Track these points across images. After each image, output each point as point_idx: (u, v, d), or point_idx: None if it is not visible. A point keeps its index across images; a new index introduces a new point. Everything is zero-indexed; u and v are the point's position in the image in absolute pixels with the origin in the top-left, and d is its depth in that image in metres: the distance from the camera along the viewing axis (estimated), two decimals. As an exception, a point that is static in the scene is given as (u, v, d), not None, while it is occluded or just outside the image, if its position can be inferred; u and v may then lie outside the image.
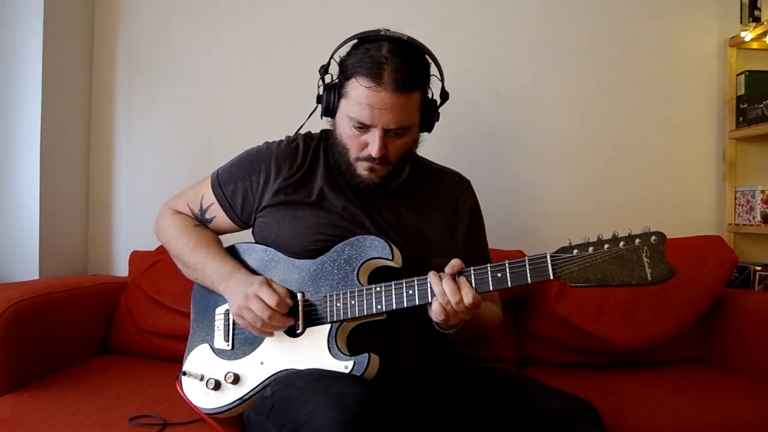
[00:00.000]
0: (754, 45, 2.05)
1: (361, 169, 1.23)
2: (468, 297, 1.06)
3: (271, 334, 1.21)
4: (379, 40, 1.17)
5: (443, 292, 1.07)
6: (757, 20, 1.99)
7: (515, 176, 2.08)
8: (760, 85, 1.99)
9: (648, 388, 1.49)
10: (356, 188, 1.27)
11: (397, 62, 1.14)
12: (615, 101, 2.09)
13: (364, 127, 1.18)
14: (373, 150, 1.17)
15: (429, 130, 1.29)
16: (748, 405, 1.36)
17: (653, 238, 0.98)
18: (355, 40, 1.22)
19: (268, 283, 1.19)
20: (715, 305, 1.72)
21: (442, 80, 1.28)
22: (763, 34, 1.99)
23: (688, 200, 2.10)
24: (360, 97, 1.15)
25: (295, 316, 1.20)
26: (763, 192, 1.96)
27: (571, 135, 2.08)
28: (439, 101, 1.29)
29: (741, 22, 2.01)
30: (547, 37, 2.08)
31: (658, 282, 0.97)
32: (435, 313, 1.09)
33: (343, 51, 1.24)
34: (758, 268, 1.89)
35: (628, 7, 2.09)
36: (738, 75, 2.05)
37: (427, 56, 1.22)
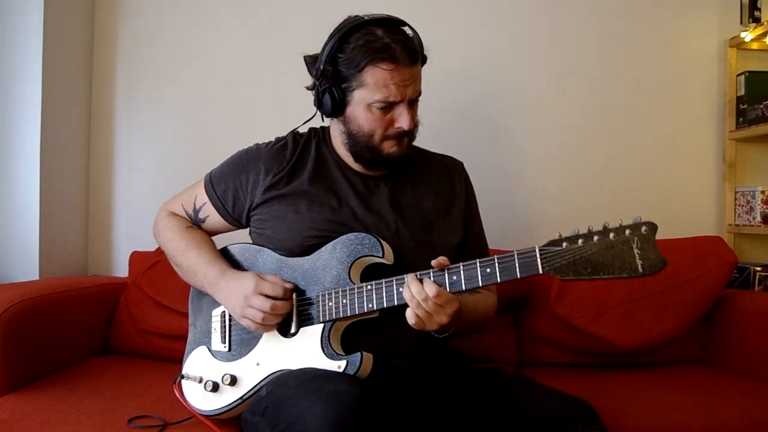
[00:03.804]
0: (754, 45, 2.05)
1: (389, 147, 1.25)
2: (431, 290, 1.06)
3: (272, 328, 1.21)
4: (367, 25, 1.20)
5: (411, 296, 1.07)
6: (757, 20, 1.99)
7: (514, 176, 2.08)
8: (760, 85, 1.99)
9: (648, 388, 1.49)
10: (384, 167, 1.29)
11: (398, 39, 1.19)
12: (615, 101, 2.09)
13: (388, 107, 1.21)
14: (405, 123, 1.22)
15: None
16: (748, 405, 1.36)
17: (644, 228, 0.97)
18: (340, 35, 1.21)
19: (262, 277, 1.21)
20: (715, 305, 1.72)
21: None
22: (763, 35, 1.98)
23: (688, 201, 2.10)
24: (384, 79, 1.19)
25: (288, 316, 1.21)
26: (763, 192, 1.96)
27: (571, 135, 2.08)
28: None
29: (741, 23, 2.01)
30: (547, 37, 2.08)
31: (650, 273, 0.96)
32: (409, 320, 1.09)
33: (332, 49, 1.24)
34: (758, 268, 1.89)
35: (628, 7, 2.09)
36: (738, 75, 2.04)
37: (407, 27, 1.25)
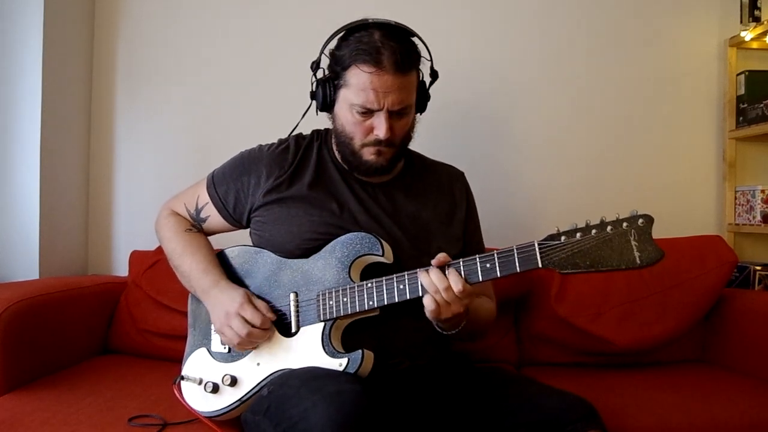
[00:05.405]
0: (754, 45, 2.05)
1: (368, 154, 1.24)
2: (457, 285, 1.06)
3: (252, 347, 1.22)
4: (368, 27, 1.20)
5: (431, 282, 1.08)
6: (757, 20, 1.99)
7: (513, 176, 2.07)
8: (760, 85, 1.99)
9: (648, 388, 1.49)
10: (364, 173, 1.28)
11: (392, 45, 1.17)
12: (615, 101, 2.09)
13: (368, 112, 1.20)
14: (381, 132, 1.20)
15: (423, 110, 1.32)
16: (748, 405, 1.36)
17: (640, 221, 0.98)
18: (343, 32, 1.23)
19: (250, 299, 1.21)
20: (715, 305, 1.72)
21: (431, 60, 1.30)
22: (763, 34, 1.99)
23: (688, 200, 2.10)
24: (363, 83, 1.17)
25: (288, 316, 1.21)
26: (763, 192, 1.96)
27: (571, 135, 2.08)
28: (429, 81, 1.32)
29: (741, 22, 2.01)
30: (547, 36, 2.08)
31: (647, 265, 0.97)
32: (427, 307, 1.09)
33: (333, 45, 1.26)
34: (758, 268, 1.89)
35: (628, 7, 2.09)
36: (738, 75, 2.05)
37: (415, 38, 1.24)
